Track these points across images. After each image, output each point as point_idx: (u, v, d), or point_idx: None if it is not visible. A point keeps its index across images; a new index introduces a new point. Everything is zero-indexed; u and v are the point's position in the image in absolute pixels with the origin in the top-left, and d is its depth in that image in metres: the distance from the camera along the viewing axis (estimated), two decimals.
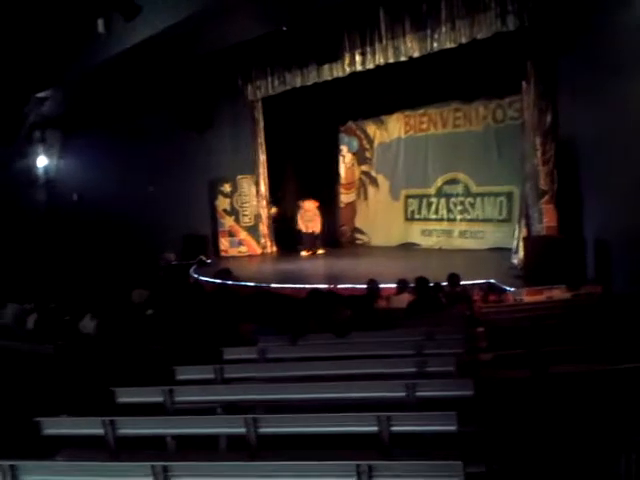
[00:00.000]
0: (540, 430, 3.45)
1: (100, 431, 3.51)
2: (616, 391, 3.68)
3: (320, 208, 14.35)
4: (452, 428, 3.12)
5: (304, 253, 14.13)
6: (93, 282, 10.98)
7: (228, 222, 14.71)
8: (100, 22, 10.70)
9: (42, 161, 15.76)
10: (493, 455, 3.15)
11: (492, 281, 8.76)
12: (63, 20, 11.21)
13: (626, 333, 4.70)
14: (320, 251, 14.17)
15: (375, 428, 3.19)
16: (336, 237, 15.33)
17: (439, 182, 13.56)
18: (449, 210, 13.45)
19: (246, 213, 14.64)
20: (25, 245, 14.11)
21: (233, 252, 14.63)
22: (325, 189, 14.69)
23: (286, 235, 15.06)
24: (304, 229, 14.22)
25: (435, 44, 10.26)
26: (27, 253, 13.91)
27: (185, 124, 14.05)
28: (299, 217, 14.28)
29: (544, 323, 5.55)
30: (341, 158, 15.44)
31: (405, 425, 3.23)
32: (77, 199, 15.80)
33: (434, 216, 13.76)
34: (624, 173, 7.60)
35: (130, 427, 3.54)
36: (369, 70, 11.51)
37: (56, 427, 3.62)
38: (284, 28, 10.89)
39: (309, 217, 14.18)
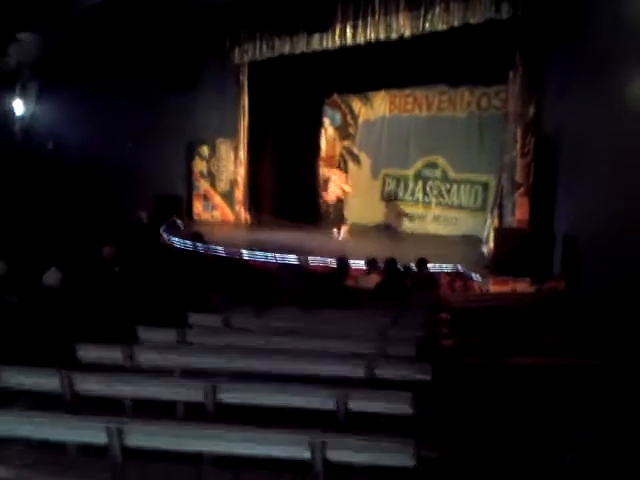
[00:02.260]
0: (493, 418, 3.52)
1: (56, 385, 3.49)
2: (567, 386, 3.77)
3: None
4: (408, 409, 3.17)
5: (343, 231, 12.56)
6: (61, 234, 10.81)
7: (203, 185, 14.58)
8: None
9: (18, 105, 15.34)
10: (447, 441, 3.22)
11: (460, 268, 8.86)
12: None
13: (585, 330, 4.82)
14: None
15: (331, 405, 3.24)
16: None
17: (419, 164, 13.57)
18: (425, 193, 13.48)
19: (222, 178, 14.50)
20: None
21: (206, 216, 14.55)
22: (305, 161, 14.53)
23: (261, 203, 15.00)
24: (334, 198, 13.10)
25: (427, 24, 10.23)
26: None
27: (167, 83, 13.76)
28: (331, 185, 13.21)
29: (506, 314, 5.66)
30: (323, 131, 15.31)
31: (361, 402, 3.28)
32: (52, 147, 15.44)
33: (410, 198, 13.78)
34: (597, 172, 7.69)
35: (87, 383, 3.52)
36: (359, 45, 11.40)
37: (12, 377, 3.59)
38: None
39: (340, 182, 13.23)
